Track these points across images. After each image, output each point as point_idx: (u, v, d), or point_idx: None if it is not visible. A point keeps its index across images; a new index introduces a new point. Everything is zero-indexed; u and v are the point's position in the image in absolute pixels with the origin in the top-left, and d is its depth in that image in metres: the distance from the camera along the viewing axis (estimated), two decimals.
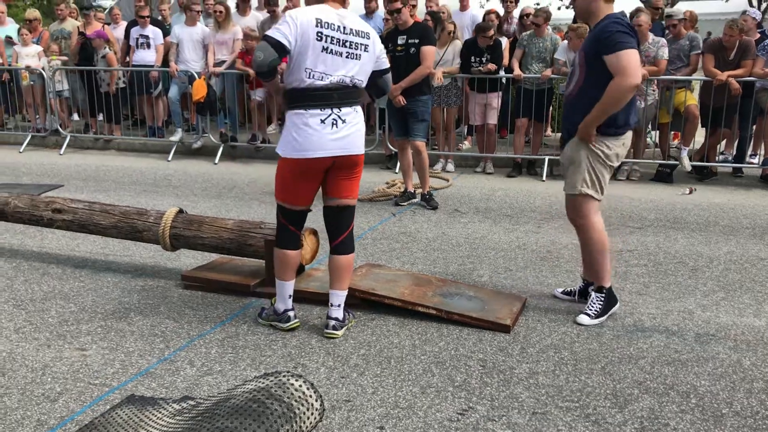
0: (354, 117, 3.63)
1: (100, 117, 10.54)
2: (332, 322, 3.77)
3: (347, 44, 3.55)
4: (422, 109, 6.62)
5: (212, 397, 2.80)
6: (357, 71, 3.61)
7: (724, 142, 8.50)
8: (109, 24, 11.02)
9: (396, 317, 3.99)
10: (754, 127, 8.16)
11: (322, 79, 3.52)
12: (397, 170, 8.32)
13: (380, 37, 7.65)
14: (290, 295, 3.84)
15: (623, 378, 3.29)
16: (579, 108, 3.78)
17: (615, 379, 3.29)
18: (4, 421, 2.83)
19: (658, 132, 8.54)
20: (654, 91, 7.90)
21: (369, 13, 9.72)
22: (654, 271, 4.88)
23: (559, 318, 4.02)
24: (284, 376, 2.74)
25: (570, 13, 14.54)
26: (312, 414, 2.64)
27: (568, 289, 4.35)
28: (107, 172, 8.55)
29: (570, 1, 7.76)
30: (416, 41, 6.43)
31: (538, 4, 12.41)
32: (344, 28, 3.56)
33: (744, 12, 8.99)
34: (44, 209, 4.86)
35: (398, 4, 6.42)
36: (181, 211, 4.62)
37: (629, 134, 3.91)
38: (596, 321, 3.92)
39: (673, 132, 8.77)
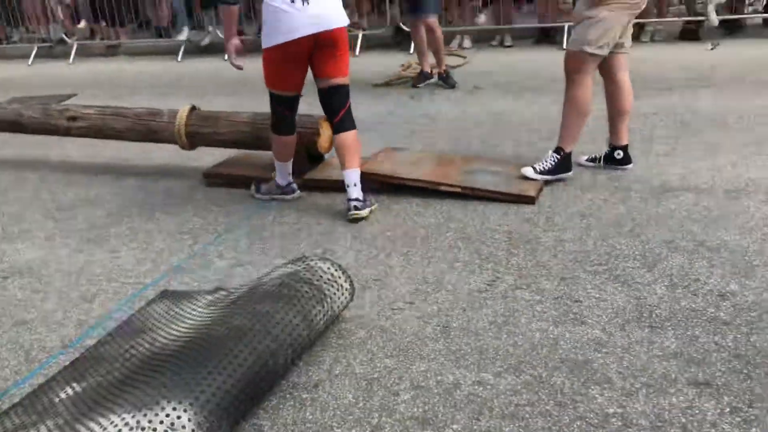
0: None
1: (103, 23, 10.28)
2: (353, 203, 3.75)
3: None
4: None
5: (244, 285, 2.84)
6: None
7: None
8: None
9: (420, 198, 3.97)
10: None
11: None
12: (411, 51, 8.07)
13: None
14: (290, 173, 4.06)
15: (651, 239, 3.27)
16: None
17: (643, 240, 3.26)
18: (45, 322, 2.93)
19: None
20: None
21: None
22: (681, 131, 4.75)
23: (584, 185, 3.96)
24: (312, 260, 2.76)
25: None
26: (342, 294, 2.68)
27: (593, 155, 4.26)
28: (119, 78, 8.45)
29: None
30: None
31: None
32: None
33: None
34: (59, 117, 4.83)
35: None
36: (193, 108, 4.55)
37: None
38: (538, 176, 3.90)
39: None
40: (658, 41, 7.77)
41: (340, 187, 4.12)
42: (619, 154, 4.13)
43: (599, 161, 4.19)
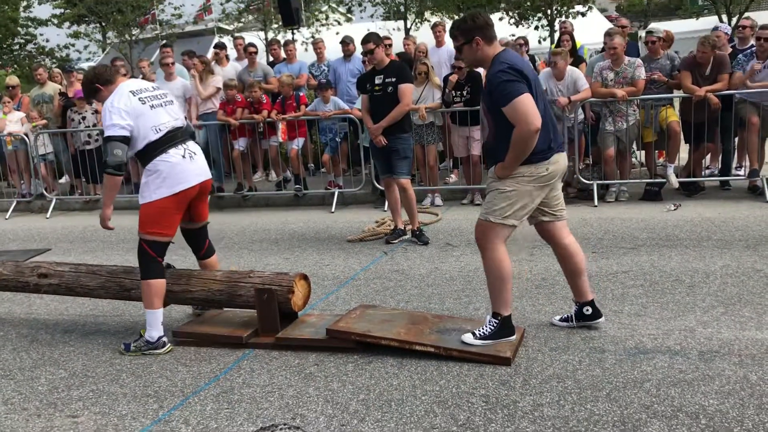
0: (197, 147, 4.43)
1: (84, 179, 10.50)
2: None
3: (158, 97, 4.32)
4: (404, 146, 6.62)
5: None
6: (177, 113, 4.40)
7: (708, 157, 8.54)
8: None
9: (394, 358, 3.91)
10: (737, 139, 8.20)
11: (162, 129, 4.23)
12: (385, 208, 8.29)
13: (358, 78, 7.76)
14: (162, 322, 4.27)
15: (630, 403, 3.22)
16: (501, 149, 3.80)
17: (621, 405, 3.21)
18: None
19: (643, 152, 8.58)
20: (635, 111, 7.94)
21: (347, 57, 9.82)
22: (651, 291, 4.82)
23: (559, 346, 3.95)
24: (281, 429, 2.66)
25: (546, 45, 14.78)
26: None
27: (565, 315, 4.28)
28: (94, 233, 8.48)
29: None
30: (393, 80, 6.45)
31: (513, 35, 12.58)
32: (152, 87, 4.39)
33: (715, 28, 9.12)
34: (30, 275, 4.78)
35: (371, 45, 6.46)
36: (168, 266, 4.55)
37: (559, 156, 3.89)
38: (479, 342, 3.85)
39: (657, 151, 8.80)
40: (622, 201, 8.10)
41: (313, 346, 4.07)
42: (587, 310, 4.16)
43: (571, 320, 4.20)
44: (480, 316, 4.50)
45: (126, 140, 4.12)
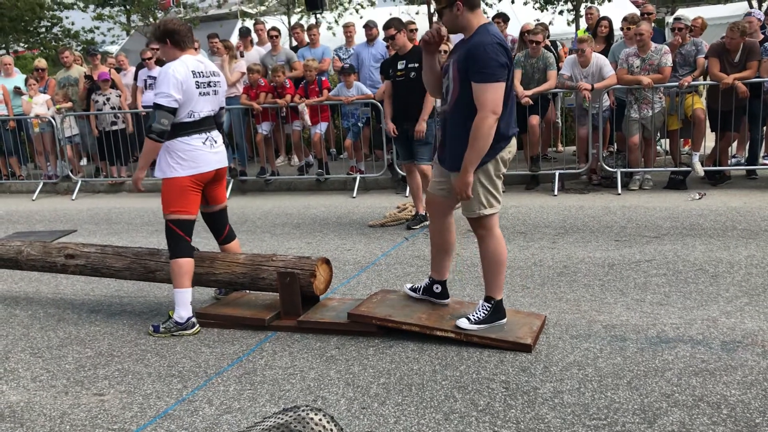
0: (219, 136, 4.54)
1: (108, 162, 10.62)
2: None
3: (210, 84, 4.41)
4: (426, 132, 6.60)
5: None
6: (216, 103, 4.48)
7: (735, 145, 8.42)
8: (118, 71, 11.13)
9: (414, 342, 3.93)
10: (765, 128, 8.07)
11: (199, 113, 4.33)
12: (407, 194, 8.30)
13: (382, 63, 7.73)
14: (191, 302, 4.33)
15: (650, 392, 3.21)
16: (457, 122, 3.74)
17: (642, 393, 3.20)
18: None
19: (668, 140, 8.48)
20: (660, 98, 7.85)
21: (370, 41, 9.79)
22: (674, 280, 4.79)
23: (580, 334, 3.94)
24: (303, 410, 2.68)
25: (573, 29, 14.60)
26: None
27: (417, 285, 4.36)
28: (119, 215, 8.59)
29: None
30: (416, 65, 6.42)
31: (537, 20, 12.43)
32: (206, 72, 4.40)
33: (748, 13, 8.95)
34: (57, 255, 4.86)
35: (392, 31, 6.43)
36: (192, 249, 4.60)
37: (513, 141, 3.85)
38: (474, 327, 3.87)
39: (683, 139, 8.70)
40: (646, 189, 8.02)
41: (334, 330, 4.11)
42: (438, 288, 4.24)
43: (418, 291, 4.30)
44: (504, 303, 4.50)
45: (174, 112, 4.18)
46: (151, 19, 21.16)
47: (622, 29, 8.57)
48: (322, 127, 9.34)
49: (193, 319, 4.33)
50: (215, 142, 4.42)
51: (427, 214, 6.81)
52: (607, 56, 8.36)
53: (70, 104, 10.57)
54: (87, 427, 3.17)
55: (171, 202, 4.30)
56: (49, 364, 3.97)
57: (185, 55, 4.29)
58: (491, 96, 3.57)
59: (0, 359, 4.08)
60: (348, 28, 10.50)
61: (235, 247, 4.74)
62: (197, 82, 4.26)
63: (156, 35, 4.35)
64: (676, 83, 7.74)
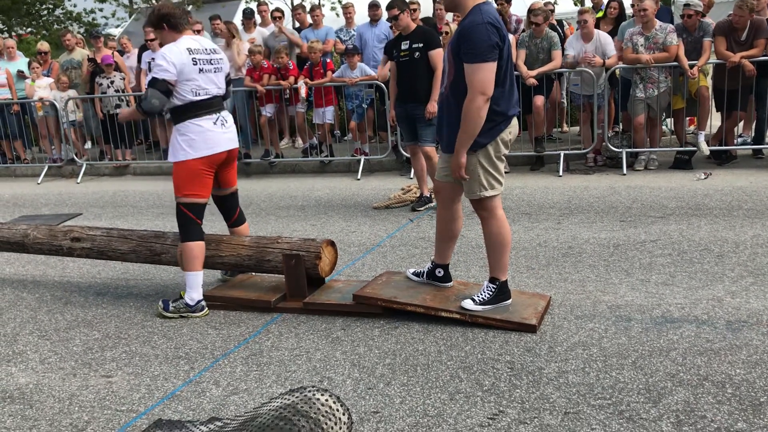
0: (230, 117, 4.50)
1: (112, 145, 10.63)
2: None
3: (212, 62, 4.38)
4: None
5: (239, 416, 2.77)
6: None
7: (741, 125, 8.36)
8: (121, 53, 11.09)
9: (420, 324, 3.95)
10: None
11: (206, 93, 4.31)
12: (411, 176, 8.29)
13: (386, 44, 7.69)
14: (201, 285, 4.34)
15: (655, 371, 3.22)
16: (452, 104, 3.72)
17: (647, 373, 3.22)
18: None
19: (672, 119, 8.43)
20: (666, 78, 7.79)
21: (373, 21, 9.72)
22: (679, 260, 4.79)
23: (585, 314, 3.95)
24: (309, 390, 2.71)
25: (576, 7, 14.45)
26: (340, 428, 2.60)
27: (420, 270, 4.36)
28: (124, 198, 8.61)
29: None
30: (420, 45, 6.38)
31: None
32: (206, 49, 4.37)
33: None
34: (63, 239, 4.88)
35: (395, 11, 6.39)
36: None
37: (514, 122, 3.83)
38: (479, 308, 3.88)
39: (688, 118, 8.64)
40: (651, 169, 7.99)
41: (340, 311, 4.12)
42: (440, 272, 4.25)
43: (423, 276, 4.30)
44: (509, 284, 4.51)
45: (167, 91, 4.18)
46: (153, 1, 21.03)
47: (633, 5, 8.45)
48: (328, 114, 9.29)
49: (203, 303, 4.35)
50: (226, 121, 4.41)
51: (435, 200, 6.81)
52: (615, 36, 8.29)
53: (73, 91, 10.53)
54: (95, 409, 3.21)
55: (183, 185, 4.29)
56: (57, 347, 4.00)
57: (183, 36, 4.29)
58: (480, 76, 3.55)
59: (8, 342, 4.11)
60: (347, 9, 10.43)
61: (245, 231, 4.74)
62: (194, 58, 4.23)
63: (152, 22, 4.34)
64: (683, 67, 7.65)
